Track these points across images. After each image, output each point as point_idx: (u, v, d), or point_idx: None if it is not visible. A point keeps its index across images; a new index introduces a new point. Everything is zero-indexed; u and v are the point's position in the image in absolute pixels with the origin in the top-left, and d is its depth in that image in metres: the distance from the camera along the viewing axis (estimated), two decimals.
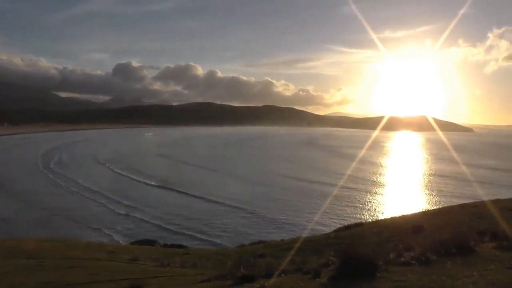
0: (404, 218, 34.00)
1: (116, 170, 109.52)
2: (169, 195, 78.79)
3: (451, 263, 8.90)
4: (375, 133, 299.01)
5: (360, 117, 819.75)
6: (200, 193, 78.94)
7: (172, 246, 37.28)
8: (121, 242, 46.14)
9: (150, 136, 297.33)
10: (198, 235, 53.18)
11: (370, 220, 49.90)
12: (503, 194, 50.25)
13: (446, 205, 50.65)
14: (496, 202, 34.53)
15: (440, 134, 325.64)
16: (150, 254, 25.14)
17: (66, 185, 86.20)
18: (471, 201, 45.15)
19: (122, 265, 18.27)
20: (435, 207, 60.06)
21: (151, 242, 38.78)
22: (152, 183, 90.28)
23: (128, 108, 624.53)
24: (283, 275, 9.75)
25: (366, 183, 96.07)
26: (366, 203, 75.01)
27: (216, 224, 58.87)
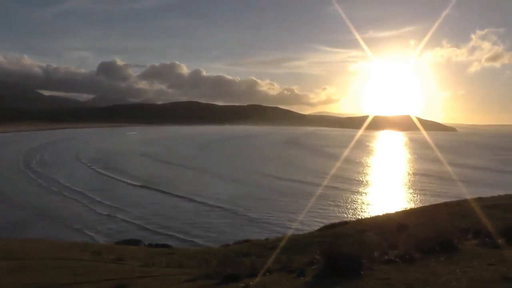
0: (388, 217, 34.27)
1: (98, 169, 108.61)
2: (152, 195, 78.30)
3: (435, 261, 8.98)
4: (360, 133, 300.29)
5: (345, 116, 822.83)
6: (183, 193, 78.58)
7: (157, 246, 37.14)
8: (101, 242, 45.77)
9: (134, 135, 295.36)
10: (182, 235, 52.90)
11: (354, 219, 50.10)
12: (486, 193, 50.76)
13: (429, 204, 51.14)
14: (479, 200, 34.97)
15: (424, 134, 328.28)
16: (135, 254, 25.00)
17: (48, 185, 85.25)
18: (455, 199, 45.67)
19: (107, 265, 18.13)
20: (418, 206, 60.60)
21: (135, 242, 38.59)
22: (135, 183, 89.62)
23: (113, 107, 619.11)
24: (267, 274, 9.75)
25: (350, 183, 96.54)
26: (350, 202, 75.36)
27: (199, 224, 58.66)
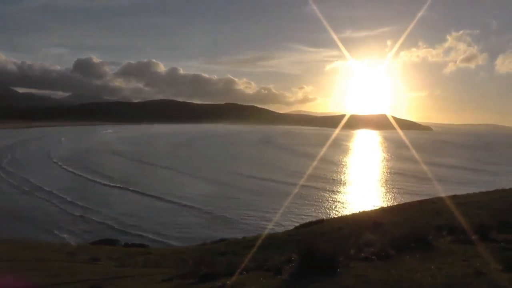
0: (364, 215, 34.54)
1: (70, 169, 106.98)
2: (125, 195, 77.50)
3: (410, 258, 9.06)
4: (336, 131, 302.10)
5: (321, 115, 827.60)
6: (157, 192, 77.94)
7: (133, 245, 36.77)
8: (72, 243, 45.06)
9: (108, 133, 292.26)
10: (156, 236, 52.42)
11: (330, 217, 50.39)
12: (460, 191, 51.52)
13: (405, 202, 51.69)
14: (454, 198, 35.47)
15: (400, 133, 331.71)
16: (110, 254, 24.72)
17: (19, 185, 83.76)
18: (430, 197, 46.28)
19: (83, 266, 17.89)
20: (394, 204, 61.22)
21: (111, 242, 38.17)
22: (108, 182, 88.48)
23: (88, 105, 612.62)
24: (244, 272, 9.71)
25: (326, 181, 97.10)
26: (326, 201, 75.81)
27: (174, 224, 58.27)
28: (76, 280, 13.04)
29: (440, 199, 36.96)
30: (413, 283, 7.35)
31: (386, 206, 58.95)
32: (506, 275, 7.70)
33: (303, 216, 60.85)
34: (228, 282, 8.63)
